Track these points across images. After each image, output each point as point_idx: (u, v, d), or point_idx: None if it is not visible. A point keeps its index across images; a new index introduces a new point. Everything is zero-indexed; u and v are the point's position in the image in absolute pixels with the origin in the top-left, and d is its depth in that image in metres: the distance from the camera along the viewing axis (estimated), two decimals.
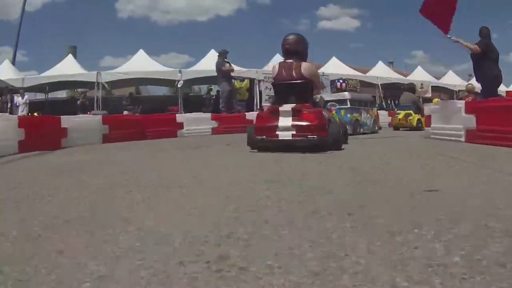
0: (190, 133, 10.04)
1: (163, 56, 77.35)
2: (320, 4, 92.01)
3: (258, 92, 15.56)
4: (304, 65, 5.04)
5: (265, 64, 17.53)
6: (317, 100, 5.51)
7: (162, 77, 16.56)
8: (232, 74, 13.07)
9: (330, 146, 4.64)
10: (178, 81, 16.02)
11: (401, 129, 11.14)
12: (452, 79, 21.59)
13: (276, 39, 17.77)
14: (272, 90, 15.15)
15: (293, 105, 4.89)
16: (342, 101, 9.47)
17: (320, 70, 16.75)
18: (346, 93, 10.03)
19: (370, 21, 74.68)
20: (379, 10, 76.99)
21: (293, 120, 4.81)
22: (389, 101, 18.40)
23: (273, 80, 5.33)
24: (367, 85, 17.25)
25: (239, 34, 74.90)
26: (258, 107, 15.13)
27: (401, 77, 19.38)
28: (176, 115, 10.86)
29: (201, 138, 9.00)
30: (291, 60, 5.07)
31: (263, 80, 15.48)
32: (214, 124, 10.77)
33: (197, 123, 10.44)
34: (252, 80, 15.74)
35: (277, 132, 4.82)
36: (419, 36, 72.14)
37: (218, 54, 12.94)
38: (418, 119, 10.85)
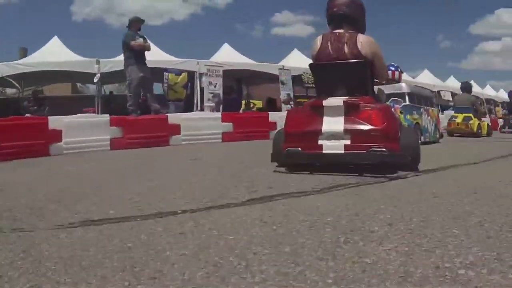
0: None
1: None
2: (275, 10, 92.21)
3: (198, 90, 11.98)
4: (363, 38, 3.75)
5: (211, 55, 14.03)
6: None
7: (74, 69, 12.57)
8: (168, 67, 10.13)
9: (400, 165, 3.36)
10: (96, 75, 12.17)
11: (455, 135, 9.97)
12: (429, 78, 19.06)
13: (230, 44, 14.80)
14: (218, 87, 12.14)
15: (345, 98, 3.63)
16: (396, 96, 6.99)
17: (281, 63, 13.51)
18: (403, 84, 7.20)
19: (324, 28, 73.17)
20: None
21: (346, 122, 3.54)
22: None
23: (312, 60, 3.95)
24: None
25: (193, 39, 75.24)
26: (199, 108, 11.64)
27: None
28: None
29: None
30: (341, 30, 3.80)
31: (207, 74, 11.92)
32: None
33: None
34: (191, 74, 12.12)
35: (320, 142, 3.57)
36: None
37: (127, 24, 8.49)
38: (479, 124, 9.74)
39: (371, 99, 3.77)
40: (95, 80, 12.22)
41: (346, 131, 3.52)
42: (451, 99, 18.96)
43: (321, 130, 3.59)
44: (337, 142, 3.53)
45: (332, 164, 3.50)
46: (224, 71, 12.10)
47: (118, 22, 72.08)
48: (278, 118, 9.08)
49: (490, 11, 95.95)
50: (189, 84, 12.26)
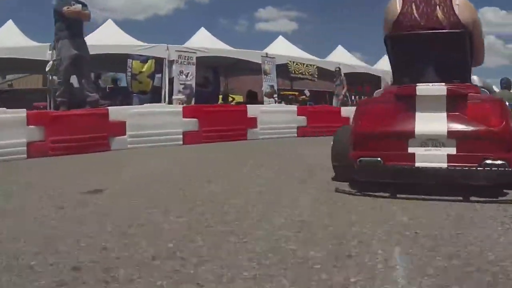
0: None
1: None
2: (259, 6, 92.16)
3: (167, 80, 10.19)
4: (460, 1, 2.75)
5: (186, 40, 12.25)
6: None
7: (25, 57, 10.65)
8: (132, 53, 8.67)
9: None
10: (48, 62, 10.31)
11: None
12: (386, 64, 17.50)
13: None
14: (190, 77, 10.33)
15: (445, 86, 2.64)
16: None
17: (264, 51, 11.77)
18: (475, 77, 5.38)
19: (308, 24, 74.06)
20: (317, 13, 76.32)
21: (450, 120, 2.58)
22: (353, 96, 13.80)
23: (386, 30, 2.96)
24: (327, 74, 12.48)
25: (176, 33, 73.68)
26: (167, 101, 9.88)
27: (366, 65, 14.89)
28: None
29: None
30: None
31: (177, 61, 10.14)
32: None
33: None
34: (159, 62, 10.33)
35: (410, 149, 2.60)
36: (354, 38, 73.41)
37: None
38: None
39: (476, 87, 2.87)
40: (47, 68, 10.36)
41: (451, 134, 2.56)
42: None
43: (413, 131, 2.63)
44: (437, 150, 2.58)
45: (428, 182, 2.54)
46: (198, 59, 10.33)
47: (100, 18, 70.84)
48: (260, 112, 7.70)
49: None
50: (155, 75, 10.50)
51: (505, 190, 2.61)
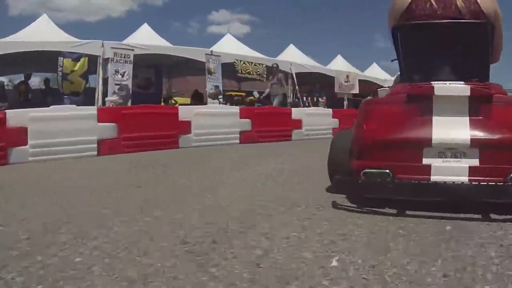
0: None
1: None
2: (212, 8, 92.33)
3: (101, 80, 9.36)
4: None
5: (127, 36, 11.46)
6: None
7: None
8: (63, 50, 7.87)
9: None
10: None
11: None
12: (377, 73, 17.27)
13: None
14: (126, 77, 9.46)
15: (467, 85, 2.26)
16: None
17: (211, 48, 11.11)
18: None
19: (260, 28, 77.39)
20: (269, 17, 79.27)
21: (472, 126, 2.22)
22: (305, 97, 13.31)
23: (395, 20, 2.56)
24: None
25: (126, 36, 72.34)
26: (99, 104, 9.06)
27: (319, 65, 14.44)
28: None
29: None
30: None
31: (113, 59, 9.35)
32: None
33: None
34: (93, 60, 9.48)
35: (425, 161, 2.24)
36: (308, 39, 73.28)
37: None
38: None
39: (500, 87, 2.54)
40: None
41: (474, 142, 2.21)
42: None
43: (430, 139, 2.26)
44: (457, 162, 2.23)
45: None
46: (138, 57, 9.57)
47: (53, 18, 68.52)
48: (194, 115, 6.91)
49: None
50: (89, 75, 9.65)
51: None
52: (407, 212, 2.25)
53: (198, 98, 11.40)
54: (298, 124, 8.75)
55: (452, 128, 2.26)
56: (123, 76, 9.39)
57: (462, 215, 2.18)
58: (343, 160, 2.57)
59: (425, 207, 2.28)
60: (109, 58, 9.35)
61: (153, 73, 11.86)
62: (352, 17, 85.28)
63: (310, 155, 5.41)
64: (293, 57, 13.12)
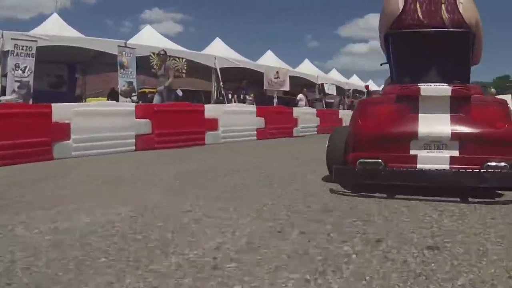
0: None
1: None
2: (145, 7, 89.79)
3: None
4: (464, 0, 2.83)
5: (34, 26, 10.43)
6: None
7: None
8: None
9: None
10: None
11: None
12: (310, 69, 17.29)
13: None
14: (28, 72, 8.04)
15: (449, 87, 2.66)
16: None
17: (129, 41, 10.38)
18: None
19: (193, 26, 77.87)
20: (203, 16, 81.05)
21: (453, 121, 2.62)
22: (230, 95, 12.68)
23: (387, 27, 2.96)
24: (200, 69, 11.47)
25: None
26: None
27: (246, 60, 13.99)
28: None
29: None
30: None
31: (13, 52, 8.39)
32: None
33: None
34: None
35: (413, 151, 2.62)
36: (236, 40, 78.15)
37: None
38: None
39: (479, 87, 2.87)
40: None
41: (454, 135, 2.55)
42: (335, 93, 17.53)
43: (416, 133, 2.59)
44: (439, 152, 2.57)
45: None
46: (45, 51, 8.64)
47: None
48: (74, 115, 5.30)
49: (360, 15, 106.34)
50: None
51: (499, 192, 2.61)
52: (395, 197, 2.55)
53: (115, 98, 10.59)
54: (213, 124, 7.46)
55: (436, 123, 2.59)
56: (23, 71, 8.43)
57: (444, 198, 2.46)
58: (340, 153, 2.92)
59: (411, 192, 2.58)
60: (9, 50, 8.40)
61: (66, 70, 10.89)
62: (283, 14, 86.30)
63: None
64: (218, 51, 12.70)
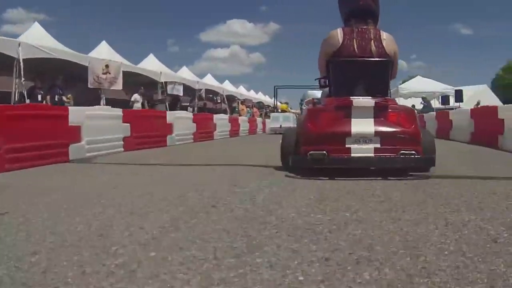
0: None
1: None
2: (8, 6, 72.95)
3: None
4: (386, 36, 3.81)
5: None
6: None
7: None
8: None
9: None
10: None
11: None
12: (154, 65, 15.01)
13: None
14: None
15: (376, 98, 3.64)
16: None
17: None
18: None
19: (54, 28, 66.83)
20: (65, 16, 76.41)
21: (376, 123, 3.56)
22: (40, 96, 9.56)
23: (328, 56, 3.87)
24: None
25: None
26: None
27: (66, 49, 10.99)
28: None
29: None
30: (366, 26, 3.79)
31: None
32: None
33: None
34: None
35: (348, 145, 3.52)
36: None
37: None
38: None
39: (394, 100, 3.94)
40: None
41: (376, 133, 3.48)
42: (181, 93, 15.75)
43: (350, 132, 3.50)
44: (366, 145, 3.49)
45: (352, 168, 3.47)
46: None
47: None
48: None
49: (222, 21, 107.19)
50: None
51: (410, 173, 3.51)
52: (335, 178, 3.31)
53: None
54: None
55: (364, 125, 3.52)
56: None
57: (371, 178, 3.30)
58: (291, 147, 3.79)
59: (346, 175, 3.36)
60: None
61: None
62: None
63: None
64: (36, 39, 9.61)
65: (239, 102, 22.23)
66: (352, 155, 3.44)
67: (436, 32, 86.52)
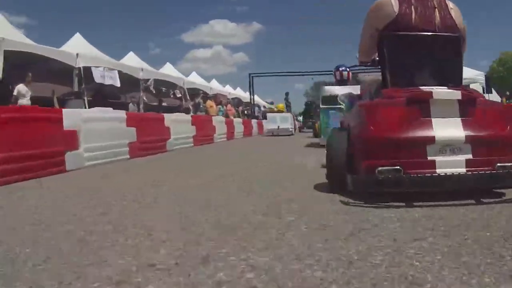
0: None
1: None
2: None
3: None
4: (453, 5, 2.95)
5: None
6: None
7: None
8: None
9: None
10: None
11: None
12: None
13: None
14: None
15: (458, 91, 2.68)
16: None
17: None
18: None
19: (36, 31, 66.62)
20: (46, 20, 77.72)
21: (464, 125, 2.60)
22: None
23: (379, 28, 2.95)
24: None
25: None
26: None
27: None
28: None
29: None
30: None
31: None
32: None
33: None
34: None
35: (431, 157, 2.53)
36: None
37: None
38: None
39: (477, 91, 3.10)
40: None
41: (467, 138, 2.53)
42: (118, 84, 14.58)
43: (433, 137, 2.52)
44: (455, 156, 2.50)
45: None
46: None
47: None
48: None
49: (204, 21, 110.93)
50: None
51: (495, 191, 2.66)
52: (414, 205, 2.39)
53: None
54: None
55: (449, 128, 2.56)
56: None
57: (461, 201, 2.43)
58: (343, 160, 2.75)
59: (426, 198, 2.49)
60: None
61: None
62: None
63: None
64: None
65: (206, 97, 17.30)
66: (437, 170, 2.48)
67: None
